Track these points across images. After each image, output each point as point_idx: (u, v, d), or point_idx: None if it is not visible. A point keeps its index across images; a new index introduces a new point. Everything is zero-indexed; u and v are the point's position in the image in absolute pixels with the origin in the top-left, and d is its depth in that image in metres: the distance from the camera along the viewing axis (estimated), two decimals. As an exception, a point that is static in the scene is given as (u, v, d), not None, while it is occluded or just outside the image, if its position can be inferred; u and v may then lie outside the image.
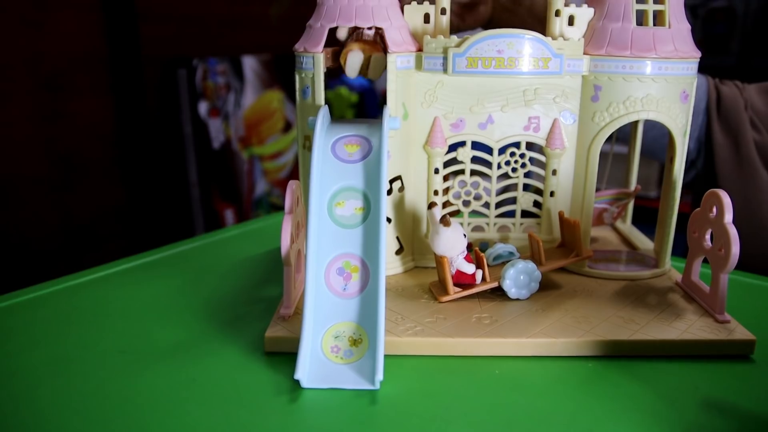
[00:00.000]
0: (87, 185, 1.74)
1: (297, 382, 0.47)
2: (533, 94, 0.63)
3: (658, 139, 0.90)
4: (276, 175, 2.13)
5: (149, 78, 1.86)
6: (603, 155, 0.65)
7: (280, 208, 2.09)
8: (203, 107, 1.91)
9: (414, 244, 0.67)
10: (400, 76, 0.60)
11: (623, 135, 0.84)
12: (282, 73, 2.09)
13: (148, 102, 1.86)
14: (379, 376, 0.47)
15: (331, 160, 0.54)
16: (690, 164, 0.59)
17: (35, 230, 1.60)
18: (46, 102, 1.62)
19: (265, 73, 2.07)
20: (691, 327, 0.54)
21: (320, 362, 0.49)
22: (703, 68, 0.63)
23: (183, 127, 1.92)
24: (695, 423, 0.44)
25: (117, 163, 1.83)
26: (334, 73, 0.65)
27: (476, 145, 0.65)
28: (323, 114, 0.55)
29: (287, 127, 2.13)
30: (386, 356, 0.49)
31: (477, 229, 0.70)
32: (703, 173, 0.92)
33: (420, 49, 0.62)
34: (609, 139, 0.66)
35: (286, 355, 0.52)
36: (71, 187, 1.70)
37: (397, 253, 0.65)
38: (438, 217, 0.58)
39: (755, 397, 0.47)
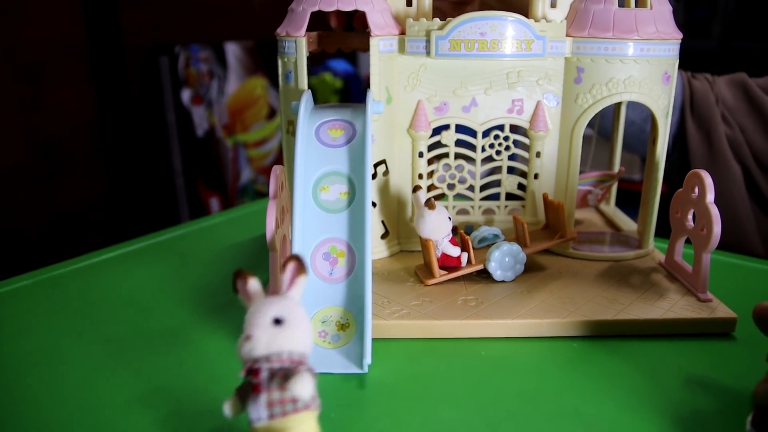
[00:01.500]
0: (70, 175, 1.73)
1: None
2: (516, 77, 0.63)
3: (637, 135, 0.92)
4: (261, 163, 2.12)
5: (131, 66, 1.84)
6: (586, 139, 0.66)
7: (265, 195, 2.09)
8: (186, 95, 1.90)
9: (399, 228, 0.67)
10: (383, 60, 0.60)
11: (604, 132, 0.85)
12: (265, 59, 2.08)
13: (130, 90, 1.85)
14: (368, 359, 0.47)
15: (315, 145, 0.54)
16: (666, 158, 0.62)
17: (19, 221, 1.59)
18: (25, 91, 1.60)
19: (248, 60, 2.06)
20: (674, 306, 0.55)
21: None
22: (684, 52, 0.64)
23: (166, 115, 1.91)
24: (678, 400, 0.44)
25: (100, 152, 1.81)
26: (318, 59, 0.65)
27: (460, 129, 0.65)
28: (306, 98, 0.55)
29: (271, 113, 2.12)
30: (373, 340, 0.49)
31: (462, 212, 0.70)
32: (678, 165, 0.94)
33: (403, 33, 0.61)
34: (592, 124, 0.66)
35: (273, 340, 0.52)
36: (54, 178, 1.69)
37: (383, 237, 0.65)
38: (423, 200, 0.58)
39: (737, 373, 0.48)
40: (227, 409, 0.34)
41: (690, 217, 0.58)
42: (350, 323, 0.50)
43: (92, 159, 1.80)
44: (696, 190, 0.57)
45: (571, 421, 0.42)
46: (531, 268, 0.62)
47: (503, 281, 0.59)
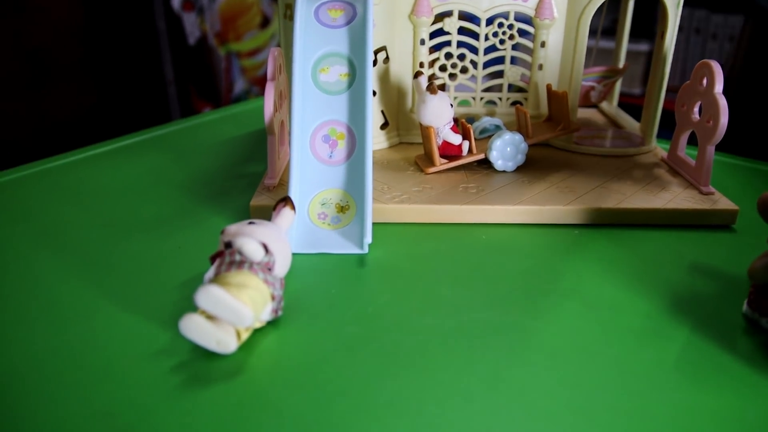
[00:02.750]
0: (58, 84, 1.69)
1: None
2: (524, -39, 0.60)
3: None
4: (255, 73, 2.08)
5: (118, -32, 1.77)
6: (588, 50, 0.63)
7: (259, 106, 2.05)
8: (176, 0, 1.84)
9: (399, 118, 0.65)
10: (385, -61, 0.57)
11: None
12: (258, -36, 2.00)
13: (119, -6, 1.79)
14: (368, 239, 0.47)
15: (315, 25, 0.52)
16: None
17: (7, 131, 1.56)
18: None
19: (240, -36, 1.98)
20: (676, 197, 0.55)
21: (308, 228, 0.48)
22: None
23: (156, 22, 1.85)
24: (677, 282, 0.44)
25: (89, 60, 1.76)
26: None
27: (463, 16, 0.63)
28: (305, -24, 0.52)
29: (265, 22, 2.06)
30: (373, 223, 0.49)
31: (463, 104, 0.68)
32: None
33: None
34: (593, 34, 0.64)
35: (271, 224, 0.51)
36: (42, 87, 1.65)
37: (382, 127, 0.64)
38: (424, 85, 0.56)
39: (736, 261, 0.48)
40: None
41: (696, 109, 0.57)
42: (350, 205, 0.49)
43: (80, 67, 1.75)
44: (704, 80, 0.55)
45: (572, 300, 0.42)
46: (532, 160, 0.61)
47: (504, 171, 0.58)
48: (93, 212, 0.54)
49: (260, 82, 2.08)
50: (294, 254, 0.47)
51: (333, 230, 0.48)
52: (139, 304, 0.41)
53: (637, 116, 0.69)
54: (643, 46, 1.78)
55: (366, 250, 0.47)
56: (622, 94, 0.78)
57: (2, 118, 1.56)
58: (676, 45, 1.82)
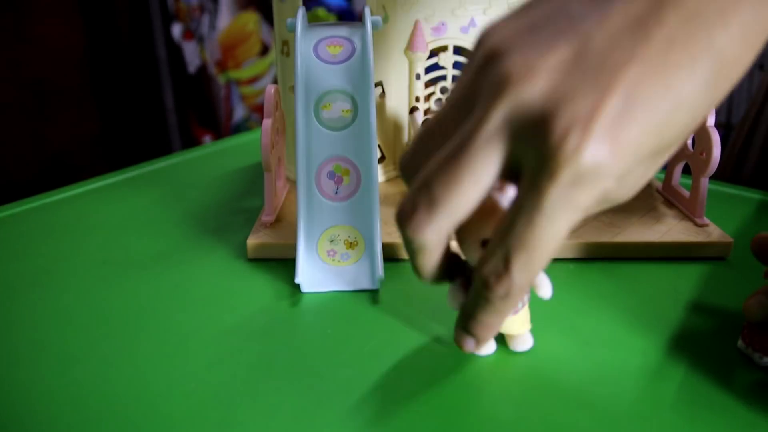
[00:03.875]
0: (59, 112, 1.70)
1: (297, 286, 0.48)
2: (517, -3, 0.61)
3: None
4: (254, 100, 2.09)
5: (119, -1, 1.80)
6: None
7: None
8: (177, 30, 1.86)
9: (396, 152, 0.66)
10: (380, -22, 0.58)
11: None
12: (257, -7, 2.03)
13: (119, 24, 1.81)
14: (379, 273, 0.47)
15: (315, 62, 0.52)
16: None
17: (8, 160, 1.57)
18: (9, 23, 1.56)
19: (239, -6, 2.00)
20: (671, 230, 0.55)
21: (318, 266, 0.49)
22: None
23: (156, 51, 1.87)
24: (673, 319, 0.45)
25: (90, 88, 1.78)
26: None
27: (458, 50, 0.64)
28: (302, 14, 0.53)
29: (264, 50, 2.08)
30: (369, 259, 0.49)
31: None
32: None
33: (400, -51, 0.59)
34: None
35: (269, 261, 0.52)
36: (43, 115, 1.66)
37: (379, 161, 0.64)
38: (420, 121, 0.57)
39: (731, 295, 0.48)
40: (457, 298, 0.37)
41: (689, 141, 0.58)
42: (359, 240, 0.50)
43: (82, 96, 1.77)
44: (697, 113, 0.56)
45: (568, 336, 0.42)
46: (528, 193, 0.61)
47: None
48: (91, 249, 0.55)
49: (259, 109, 2.09)
50: (305, 293, 0.47)
51: (343, 267, 0.49)
52: (135, 347, 0.41)
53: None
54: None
55: (377, 285, 0.47)
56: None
57: (3, 147, 1.57)
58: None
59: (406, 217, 0.30)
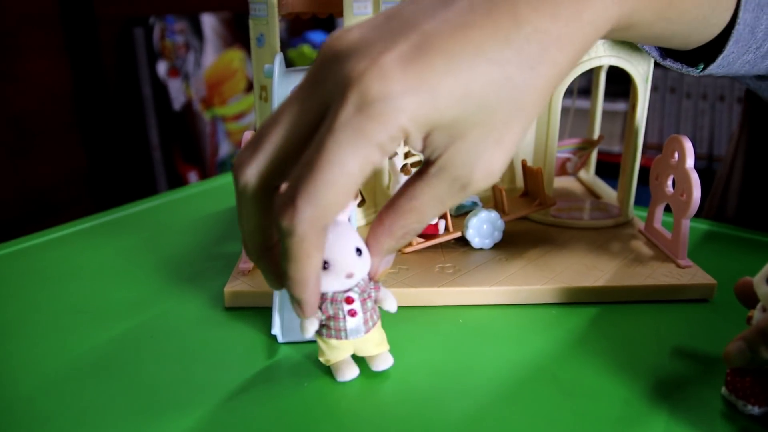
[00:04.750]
0: (44, 149, 1.70)
1: (272, 337, 0.47)
2: (495, 41, 0.61)
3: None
4: (240, 136, 2.10)
5: (105, 37, 1.80)
6: (564, 110, 0.64)
7: (244, 169, 2.06)
8: (162, 67, 1.86)
9: (376, 196, 0.66)
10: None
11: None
12: (243, 31, 2.04)
13: (105, 62, 1.81)
14: None
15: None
16: None
17: (-10, 196, 1.56)
18: (-4, 62, 1.56)
19: (225, 32, 2.02)
20: (654, 273, 0.55)
21: (294, 316, 0.48)
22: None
23: (142, 89, 1.87)
24: (656, 365, 0.44)
25: (75, 126, 1.78)
26: (296, 31, 0.63)
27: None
28: (279, 60, 0.53)
29: (250, 87, 2.09)
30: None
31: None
32: None
33: (378, -5, 0.60)
34: (569, 94, 0.65)
35: (246, 310, 0.51)
36: (27, 151, 1.65)
37: (359, 205, 0.64)
38: (399, 166, 0.57)
39: (714, 338, 0.47)
40: (310, 329, 0.38)
41: (669, 182, 0.58)
42: None
43: (67, 133, 1.76)
44: (676, 155, 0.56)
45: (549, 387, 0.41)
46: (509, 235, 0.61)
47: (481, 249, 0.58)
48: (66, 297, 0.54)
49: (245, 145, 2.09)
50: (282, 344, 0.46)
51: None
52: (107, 404, 0.40)
53: (616, 174, 0.69)
54: (620, 106, 1.82)
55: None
56: (600, 152, 0.79)
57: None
58: (652, 104, 1.85)
59: (283, 207, 0.31)
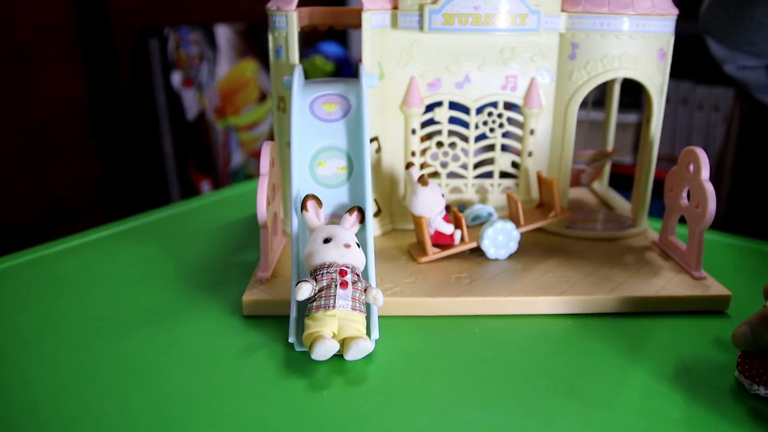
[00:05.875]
0: (60, 158, 1.71)
1: (289, 345, 0.47)
2: (510, 53, 0.62)
3: None
4: (252, 146, 2.11)
5: (120, 48, 1.82)
6: (579, 122, 0.65)
7: (256, 178, 2.07)
8: (176, 78, 1.88)
9: (392, 206, 0.66)
10: (376, 35, 0.59)
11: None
12: (256, 42, 2.05)
13: (120, 73, 1.82)
14: (375, 334, 0.46)
15: (310, 120, 0.53)
16: None
17: (7, 206, 1.57)
18: (13, 73, 1.58)
19: (239, 42, 2.03)
20: (668, 284, 0.55)
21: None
22: (679, 34, 0.63)
23: (156, 98, 1.89)
24: (673, 376, 0.44)
25: (90, 135, 1.79)
26: (309, 42, 0.64)
27: (453, 106, 0.65)
28: (298, 72, 0.54)
29: (262, 97, 2.10)
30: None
31: (455, 190, 0.69)
32: None
33: (395, 7, 0.60)
34: (584, 105, 0.65)
35: (264, 318, 0.51)
36: (43, 161, 1.67)
37: (375, 215, 0.64)
38: (416, 177, 0.57)
39: (731, 350, 0.47)
40: (304, 292, 0.44)
41: (684, 194, 0.58)
42: None
43: (82, 142, 1.78)
44: (691, 167, 0.56)
45: (566, 397, 0.42)
46: (524, 246, 0.61)
47: (496, 259, 0.59)
48: (85, 305, 0.54)
49: (257, 155, 2.10)
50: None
51: None
52: (127, 409, 0.40)
53: (629, 186, 0.70)
54: (631, 117, 1.81)
55: (372, 345, 0.47)
56: (613, 164, 0.79)
57: (3, 193, 1.57)
58: (664, 115, 1.84)
59: None
